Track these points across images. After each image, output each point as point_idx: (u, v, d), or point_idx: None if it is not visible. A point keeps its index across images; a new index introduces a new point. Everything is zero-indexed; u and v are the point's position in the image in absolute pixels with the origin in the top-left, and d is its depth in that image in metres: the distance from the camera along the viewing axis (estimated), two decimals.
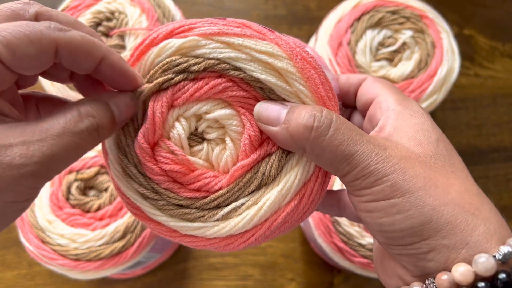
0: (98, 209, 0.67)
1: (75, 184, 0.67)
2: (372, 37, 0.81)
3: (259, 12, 0.99)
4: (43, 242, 0.65)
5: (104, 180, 0.69)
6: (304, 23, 1.01)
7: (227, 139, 0.36)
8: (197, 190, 0.36)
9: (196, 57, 0.35)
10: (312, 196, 0.36)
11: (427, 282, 0.30)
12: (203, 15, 0.45)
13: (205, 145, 0.37)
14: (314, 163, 0.35)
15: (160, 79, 0.34)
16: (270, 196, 0.35)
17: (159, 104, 0.34)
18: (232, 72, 0.34)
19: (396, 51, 0.80)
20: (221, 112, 0.36)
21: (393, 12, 0.82)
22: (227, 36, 0.34)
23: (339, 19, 0.83)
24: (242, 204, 0.35)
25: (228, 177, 0.35)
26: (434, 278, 0.30)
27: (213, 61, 0.34)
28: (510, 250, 0.28)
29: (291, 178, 0.35)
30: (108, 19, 0.79)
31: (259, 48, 0.34)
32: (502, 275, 0.28)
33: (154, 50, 0.35)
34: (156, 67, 0.35)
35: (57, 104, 0.36)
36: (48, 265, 0.65)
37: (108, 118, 0.32)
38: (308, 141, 0.32)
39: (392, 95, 0.37)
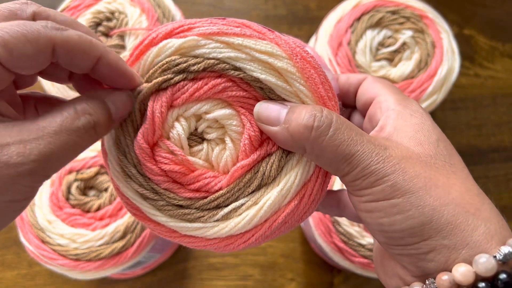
0: (98, 209, 0.67)
1: (75, 184, 0.67)
2: (372, 37, 0.81)
3: (259, 12, 0.99)
4: (43, 242, 0.65)
5: (104, 180, 0.69)
6: (304, 23, 1.01)
7: (227, 139, 0.36)
8: (197, 190, 0.36)
9: (196, 57, 0.34)
10: (312, 196, 0.36)
11: (427, 282, 0.30)
12: (203, 15, 0.45)
13: (205, 145, 0.37)
14: (314, 163, 0.35)
15: (160, 79, 0.34)
16: (270, 196, 0.34)
17: (158, 104, 0.34)
18: (232, 72, 0.34)
19: (396, 51, 0.80)
20: (221, 112, 0.35)
21: (393, 12, 0.82)
22: (227, 36, 0.34)
23: (339, 19, 0.83)
24: (242, 205, 0.35)
25: (228, 177, 0.35)
26: (434, 279, 0.30)
27: (213, 61, 0.34)
28: (511, 250, 0.28)
29: (291, 178, 0.35)
30: (108, 19, 0.79)
31: (259, 48, 0.34)
32: (503, 276, 0.28)
33: (154, 50, 0.35)
34: (156, 67, 0.34)
35: (55, 104, 0.36)
36: (48, 265, 0.65)
37: (104, 115, 0.32)
38: (308, 141, 0.32)
39: (392, 95, 0.37)
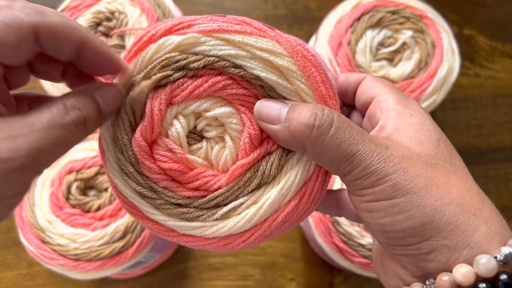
0: (98, 209, 0.67)
1: (75, 184, 0.67)
2: (372, 37, 0.81)
3: (259, 12, 0.99)
4: (43, 242, 0.65)
5: (104, 180, 0.68)
6: (304, 23, 1.01)
7: (227, 138, 0.36)
8: (196, 189, 0.35)
9: (196, 54, 0.34)
10: (313, 195, 0.35)
11: (427, 282, 0.30)
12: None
13: (204, 143, 0.37)
14: (314, 162, 0.35)
15: (159, 75, 0.34)
16: (270, 195, 0.34)
17: (157, 101, 0.34)
18: (232, 69, 0.34)
19: (396, 51, 0.80)
20: (221, 110, 0.35)
21: (393, 12, 0.82)
22: (227, 33, 0.34)
23: (339, 19, 0.83)
24: (242, 204, 0.35)
25: (227, 176, 0.35)
26: (434, 279, 0.30)
27: (213, 58, 0.34)
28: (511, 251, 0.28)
29: (292, 177, 0.35)
30: (108, 19, 0.79)
31: (260, 46, 0.34)
32: (503, 276, 0.28)
33: (153, 47, 0.34)
34: (154, 63, 0.34)
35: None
36: (48, 265, 0.65)
37: (94, 110, 0.31)
38: (309, 140, 0.32)
39: (392, 95, 0.37)
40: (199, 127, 0.37)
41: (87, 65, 0.33)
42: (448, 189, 0.31)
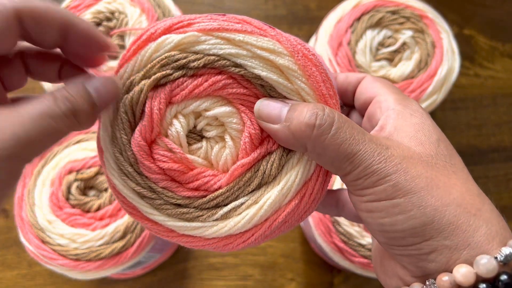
0: (98, 209, 0.67)
1: (75, 184, 0.67)
2: (372, 37, 0.81)
3: (259, 12, 0.99)
4: (43, 242, 0.65)
5: (104, 180, 0.68)
6: (304, 23, 1.01)
7: (227, 137, 0.36)
8: (196, 189, 0.35)
9: (196, 53, 0.34)
10: (313, 195, 0.35)
11: (427, 283, 0.30)
12: None
13: (204, 143, 0.36)
14: (315, 162, 0.35)
15: (159, 74, 0.34)
16: (270, 195, 0.34)
17: (157, 100, 0.34)
18: (233, 68, 0.34)
19: (396, 51, 0.80)
20: (221, 110, 0.35)
21: (393, 12, 0.82)
22: (228, 32, 0.34)
23: (339, 19, 0.83)
24: (242, 204, 0.35)
25: (228, 176, 0.35)
26: (434, 279, 0.30)
27: (213, 57, 0.34)
28: None
29: (292, 177, 0.34)
30: (108, 19, 0.79)
31: (260, 45, 0.34)
32: (504, 277, 0.28)
33: (152, 46, 0.34)
34: (154, 62, 0.34)
35: None
36: (48, 265, 0.65)
37: (86, 101, 0.31)
38: (310, 140, 0.32)
39: (392, 95, 0.37)
40: (199, 127, 0.36)
41: (74, 48, 0.33)
42: (449, 189, 0.31)
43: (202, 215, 0.35)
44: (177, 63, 0.34)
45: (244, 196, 0.35)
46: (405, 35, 0.80)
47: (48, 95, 0.30)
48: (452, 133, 0.94)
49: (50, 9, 0.30)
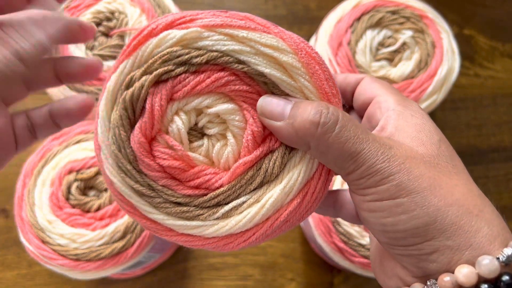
0: (98, 209, 0.67)
1: (75, 184, 0.67)
2: (372, 37, 0.81)
3: (259, 12, 0.99)
4: (43, 242, 0.65)
5: (104, 180, 0.68)
6: (304, 23, 1.01)
7: (229, 135, 0.35)
8: (197, 187, 0.35)
9: (198, 49, 0.34)
10: (315, 194, 0.35)
11: (428, 283, 0.30)
12: None
13: (205, 140, 0.36)
14: (317, 160, 0.35)
15: (160, 70, 0.33)
16: (272, 194, 0.34)
17: (158, 96, 0.33)
18: (236, 65, 0.34)
19: (396, 51, 0.80)
20: (223, 107, 0.35)
21: (393, 12, 0.82)
22: (231, 29, 0.33)
23: (339, 19, 0.83)
24: (244, 202, 0.34)
25: (229, 174, 0.35)
26: (436, 279, 0.30)
27: (216, 53, 0.33)
28: None
29: (294, 175, 0.34)
30: (108, 19, 0.79)
31: (264, 42, 0.33)
32: (506, 277, 0.28)
33: (153, 41, 0.34)
34: (155, 57, 0.34)
35: None
36: (48, 265, 0.65)
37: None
38: (313, 138, 0.32)
39: (392, 95, 0.37)
40: (200, 124, 0.36)
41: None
42: (451, 190, 0.31)
43: (202, 214, 0.34)
44: (179, 59, 0.33)
45: (245, 194, 0.35)
46: (405, 35, 0.80)
47: None
48: (452, 133, 0.94)
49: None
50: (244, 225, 0.34)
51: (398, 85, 0.77)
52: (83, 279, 0.70)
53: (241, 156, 0.35)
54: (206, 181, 0.35)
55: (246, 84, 0.35)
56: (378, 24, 0.81)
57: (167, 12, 0.80)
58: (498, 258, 0.28)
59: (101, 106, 0.35)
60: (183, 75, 0.34)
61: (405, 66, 0.79)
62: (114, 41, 0.77)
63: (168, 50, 0.34)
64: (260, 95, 0.35)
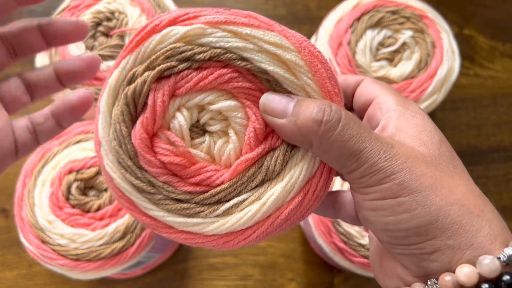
0: (98, 209, 0.67)
1: (75, 184, 0.67)
2: (372, 37, 0.81)
3: (259, 12, 0.98)
4: (43, 242, 0.65)
5: (104, 180, 0.68)
6: (304, 23, 1.01)
7: (231, 132, 0.35)
8: (197, 184, 0.35)
9: (202, 45, 0.34)
10: (316, 192, 0.35)
11: (429, 283, 0.30)
12: None
13: (207, 137, 0.36)
14: (319, 158, 0.35)
15: (163, 66, 0.33)
16: (274, 192, 0.34)
17: (160, 92, 0.33)
18: (239, 62, 0.34)
19: (396, 51, 0.80)
20: (225, 104, 0.35)
21: (393, 12, 0.82)
22: (235, 26, 0.33)
23: (339, 19, 0.83)
24: (245, 200, 0.34)
25: (231, 171, 0.34)
26: (436, 279, 0.30)
27: (219, 50, 0.33)
28: None
29: (296, 173, 0.34)
30: (108, 19, 0.79)
31: (268, 39, 0.33)
32: (506, 277, 0.28)
33: (156, 37, 0.34)
34: (158, 53, 0.33)
35: None
36: (48, 265, 0.65)
37: None
38: (316, 135, 0.32)
39: (392, 96, 0.37)
40: (202, 121, 0.36)
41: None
42: (453, 189, 0.31)
43: (203, 211, 0.34)
44: (182, 55, 0.33)
45: (247, 192, 0.34)
46: (405, 35, 0.80)
47: None
48: (452, 133, 0.94)
49: None
50: (245, 222, 0.34)
51: (398, 85, 0.77)
52: (83, 279, 0.70)
53: (242, 153, 0.35)
54: (207, 178, 0.35)
55: (248, 81, 0.35)
56: (378, 24, 0.81)
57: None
58: (499, 258, 0.28)
59: (102, 102, 0.35)
60: (185, 71, 0.34)
61: (405, 66, 0.79)
62: (114, 41, 0.77)
63: (171, 46, 0.34)
64: (262, 93, 0.35)
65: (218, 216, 0.34)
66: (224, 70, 0.34)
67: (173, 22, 0.34)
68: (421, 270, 0.31)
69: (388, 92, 0.38)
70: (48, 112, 0.42)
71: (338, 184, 0.73)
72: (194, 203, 0.34)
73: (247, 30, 0.33)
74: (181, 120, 0.35)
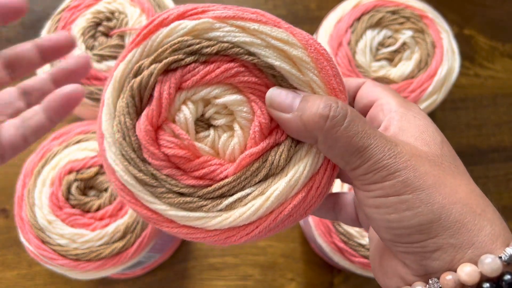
0: (98, 209, 0.67)
1: (75, 184, 0.67)
2: (372, 37, 0.81)
3: None
4: (43, 242, 0.65)
5: (104, 180, 0.68)
6: (304, 23, 1.01)
7: (236, 126, 0.35)
8: (201, 177, 0.34)
9: (209, 39, 0.34)
10: (320, 189, 0.35)
11: (430, 282, 0.30)
12: None
13: (211, 131, 0.36)
14: (323, 154, 0.35)
15: (170, 58, 0.33)
16: (278, 187, 0.34)
17: (166, 85, 0.33)
18: (246, 56, 0.34)
19: (396, 51, 0.80)
20: (231, 98, 0.35)
21: (393, 12, 0.82)
22: (243, 21, 0.34)
23: (339, 19, 0.83)
24: (248, 194, 0.34)
25: (235, 165, 0.34)
26: (438, 278, 0.30)
27: (227, 44, 0.34)
28: None
29: (300, 169, 0.34)
30: (108, 19, 0.79)
31: (275, 35, 0.33)
32: (508, 276, 0.28)
33: (164, 31, 0.34)
34: (166, 46, 0.34)
35: None
36: (48, 265, 0.65)
37: None
38: (322, 131, 0.32)
39: (394, 98, 0.37)
40: (207, 115, 0.36)
41: None
42: (455, 189, 0.31)
43: (206, 205, 0.34)
44: (189, 48, 0.33)
45: (250, 186, 0.34)
46: (405, 35, 0.80)
47: None
48: (452, 133, 0.94)
49: None
50: (248, 217, 0.34)
51: (398, 85, 0.77)
52: (83, 279, 0.70)
53: (247, 148, 0.35)
54: (211, 171, 0.34)
55: (255, 76, 0.35)
56: (378, 24, 0.81)
57: None
58: (500, 257, 0.28)
59: (107, 94, 0.35)
60: (192, 65, 0.34)
61: (405, 66, 0.79)
62: (114, 41, 0.77)
63: (179, 39, 0.34)
64: (268, 88, 0.35)
65: (221, 210, 0.34)
66: (231, 64, 0.34)
67: (181, 16, 0.34)
68: (423, 268, 0.31)
69: (389, 94, 0.38)
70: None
71: (337, 186, 0.73)
72: (197, 197, 0.34)
73: (254, 26, 0.34)
74: (186, 113, 0.35)
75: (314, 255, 0.85)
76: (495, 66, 0.99)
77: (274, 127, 0.35)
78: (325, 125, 0.31)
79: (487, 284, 0.28)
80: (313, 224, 0.73)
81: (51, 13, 0.80)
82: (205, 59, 0.34)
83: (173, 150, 0.34)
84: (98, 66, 0.74)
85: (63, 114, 0.42)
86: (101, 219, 0.66)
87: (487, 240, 0.29)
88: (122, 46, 0.76)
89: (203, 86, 0.35)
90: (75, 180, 0.68)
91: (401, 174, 0.30)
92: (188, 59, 0.34)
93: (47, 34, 0.42)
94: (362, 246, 0.70)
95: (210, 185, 0.34)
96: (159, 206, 0.34)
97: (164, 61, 0.33)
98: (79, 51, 0.76)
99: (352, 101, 0.41)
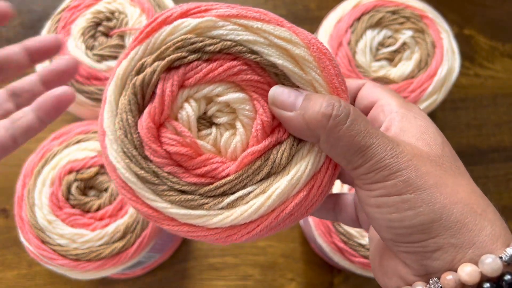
0: (98, 209, 0.67)
1: (75, 184, 0.67)
2: (372, 37, 0.81)
3: None
4: (43, 242, 0.65)
5: (104, 180, 0.68)
6: (304, 23, 1.01)
7: (238, 124, 0.35)
8: (203, 175, 0.34)
9: (212, 37, 0.34)
10: (321, 188, 0.35)
11: (431, 281, 0.30)
12: None
13: (213, 129, 0.36)
14: (325, 153, 0.35)
15: (173, 56, 0.33)
16: (279, 185, 0.34)
17: (169, 82, 0.34)
18: (249, 55, 0.34)
19: (396, 51, 0.80)
20: (234, 96, 0.35)
21: (393, 12, 0.82)
22: (246, 19, 0.34)
23: (339, 19, 0.83)
24: (250, 192, 0.34)
25: (237, 163, 0.34)
26: (438, 278, 0.30)
27: (230, 42, 0.34)
28: None
29: (302, 167, 0.34)
30: (108, 19, 0.79)
31: (278, 34, 0.34)
32: (508, 277, 0.28)
33: (167, 29, 0.34)
34: (169, 44, 0.34)
35: None
36: (48, 265, 0.65)
37: None
38: (324, 130, 0.32)
39: (394, 99, 0.38)
40: (209, 113, 0.36)
41: None
42: (456, 189, 0.31)
43: (207, 203, 0.34)
44: (192, 46, 0.34)
45: (252, 185, 0.34)
46: (405, 35, 0.80)
47: None
48: (452, 133, 0.94)
49: None
50: (249, 216, 0.34)
51: (398, 85, 0.77)
52: (83, 279, 0.70)
53: (249, 146, 0.35)
54: (213, 169, 0.34)
55: (257, 75, 0.35)
56: (378, 24, 0.81)
57: None
58: (501, 258, 0.28)
59: (109, 91, 0.35)
60: (195, 63, 0.34)
61: (405, 66, 0.79)
62: (114, 41, 0.77)
63: (182, 37, 0.34)
64: (270, 86, 0.35)
65: (222, 208, 0.34)
66: (234, 63, 0.34)
67: (185, 14, 0.35)
68: (423, 268, 0.31)
69: (390, 95, 0.38)
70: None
71: (337, 186, 0.73)
72: (199, 194, 0.34)
73: (258, 24, 0.34)
74: (189, 110, 0.35)
75: (314, 255, 0.85)
76: (495, 66, 0.99)
77: (276, 125, 0.35)
78: (327, 124, 0.31)
79: (488, 284, 0.28)
80: (313, 224, 0.73)
81: (51, 13, 0.80)
82: (208, 57, 0.34)
83: (175, 147, 0.34)
84: (98, 66, 0.75)
85: (53, 116, 0.42)
86: (101, 219, 0.66)
87: (487, 240, 0.29)
88: (122, 46, 0.76)
89: (205, 84, 0.35)
90: (75, 180, 0.68)
91: (402, 173, 0.30)
92: (191, 57, 0.34)
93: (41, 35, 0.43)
94: (362, 246, 0.70)
95: (212, 183, 0.34)
96: (160, 204, 0.34)
97: (167, 58, 0.33)
98: (79, 52, 0.76)
99: (352, 102, 0.42)
